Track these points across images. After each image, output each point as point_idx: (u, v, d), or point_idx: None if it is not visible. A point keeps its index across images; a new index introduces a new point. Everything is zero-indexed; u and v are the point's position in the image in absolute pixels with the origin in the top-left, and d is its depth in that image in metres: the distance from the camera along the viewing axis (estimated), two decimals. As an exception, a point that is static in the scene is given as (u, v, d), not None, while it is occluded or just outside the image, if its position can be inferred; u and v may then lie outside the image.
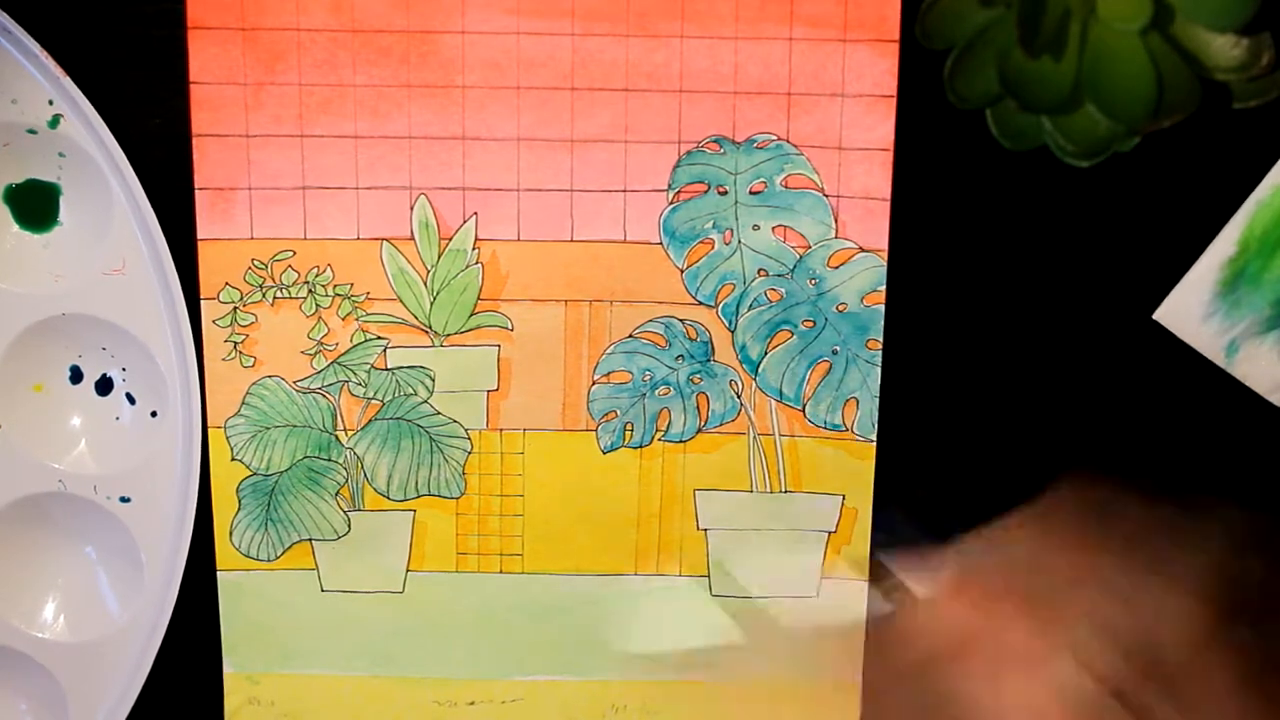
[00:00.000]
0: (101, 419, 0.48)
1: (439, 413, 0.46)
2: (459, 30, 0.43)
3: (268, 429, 0.46)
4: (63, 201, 0.46)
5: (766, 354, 0.46)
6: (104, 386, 0.47)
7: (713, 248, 0.45)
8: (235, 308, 0.45)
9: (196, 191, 0.44)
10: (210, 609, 0.47)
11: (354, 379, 0.46)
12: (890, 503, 0.47)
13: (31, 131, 0.44)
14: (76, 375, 0.47)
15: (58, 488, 0.47)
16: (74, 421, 0.48)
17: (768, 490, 0.47)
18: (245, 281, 0.45)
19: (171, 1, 0.43)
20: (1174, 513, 0.44)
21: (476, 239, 0.45)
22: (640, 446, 0.46)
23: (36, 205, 0.46)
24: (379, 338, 0.46)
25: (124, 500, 0.47)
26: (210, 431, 0.46)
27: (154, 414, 0.47)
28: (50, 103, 0.44)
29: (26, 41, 0.43)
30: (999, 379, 0.47)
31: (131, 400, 0.47)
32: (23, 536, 0.48)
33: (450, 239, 0.45)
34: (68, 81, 0.43)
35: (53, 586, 0.49)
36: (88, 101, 0.43)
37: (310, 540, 0.47)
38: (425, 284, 0.45)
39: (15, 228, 0.46)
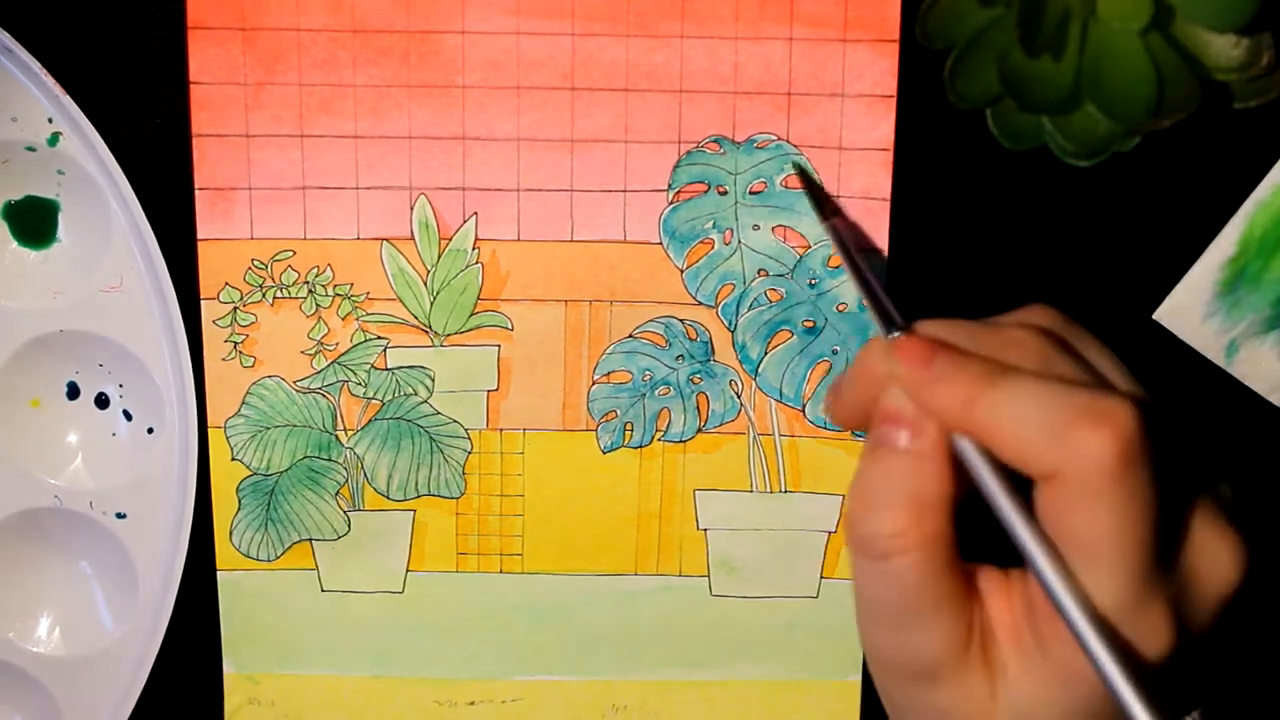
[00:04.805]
0: (98, 435, 0.48)
1: (439, 413, 0.46)
2: (459, 30, 0.43)
3: (268, 429, 0.46)
4: (61, 218, 0.46)
5: (766, 354, 0.46)
6: (101, 403, 0.47)
7: (713, 248, 0.45)
8: (235, 308, 0.45)
9: (196, 192, 0.44)
10: (210, 610, 0.47)
11: (354, 379, 0.46)
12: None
13: (30, 149, 0.44)
14: (74, 391, 0.47)
15: (54, 503, 0.47)
16: (70, 437, 0.48)
17: (768, 490, 0.47)
18: (245, 281, 0.45)
19: (172, 2, 0.43)
20: None
21: (476, 239, 0.45)
22: (640, 446, 0.46)
23: (35, 222, 0.46)
24: (379, 338, 0.46)
25: (120, 516, 0.47)
26: (210, 431, 0.46)
27: (150, 430, 0.47)
28: (50, 120, 0.44)
29: (26, 59, 0.43)
30: (999, 379, 0.47)
31: (128, 416, 0.47)
32: (18, 552, 0.48)
33: (450, 239, 0.45)
34: (67, 100, 0.43)
35: (48, 602, 0.49)
36: (87, 120, 0.44)
37: (310, 540, 0.47)
38: (425, 284, 0.45)
39: (14, 244, 0.46)
